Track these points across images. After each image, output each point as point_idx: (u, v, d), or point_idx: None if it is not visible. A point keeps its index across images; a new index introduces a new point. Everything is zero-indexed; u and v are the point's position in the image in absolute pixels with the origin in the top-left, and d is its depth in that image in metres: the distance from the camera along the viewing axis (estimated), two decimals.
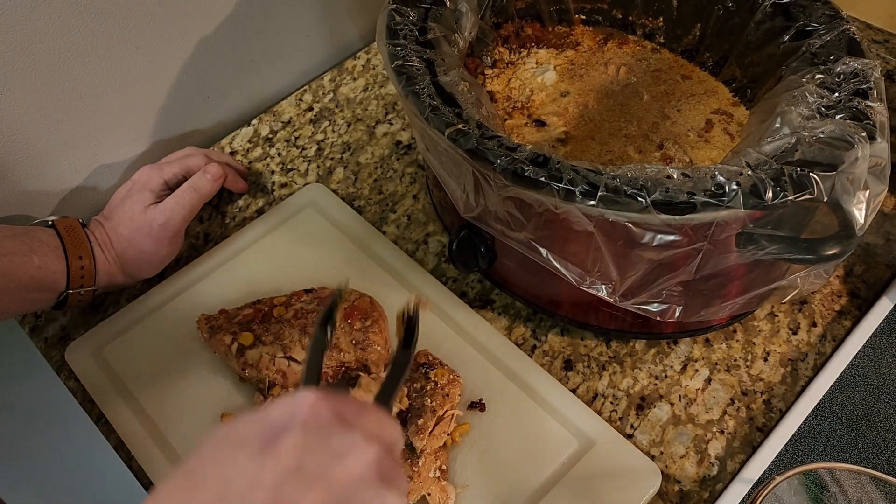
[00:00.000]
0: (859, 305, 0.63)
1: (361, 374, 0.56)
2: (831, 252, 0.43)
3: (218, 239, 0.73)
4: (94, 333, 0.65)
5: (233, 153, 0.81)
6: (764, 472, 0.54)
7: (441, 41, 0.58)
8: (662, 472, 0.55)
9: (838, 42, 0.53)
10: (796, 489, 0.49)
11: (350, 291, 0.62)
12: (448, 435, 0.55)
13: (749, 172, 0.43)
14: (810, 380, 0.59)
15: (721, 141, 0.60)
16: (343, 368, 0.57)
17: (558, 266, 0.50)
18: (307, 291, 0.62)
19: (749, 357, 0.61)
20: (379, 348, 0.58)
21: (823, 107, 0.48)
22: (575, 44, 0.70)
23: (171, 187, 0.67)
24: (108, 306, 0.69)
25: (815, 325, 0.63)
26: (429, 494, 0.52)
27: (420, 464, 0.52)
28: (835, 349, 0.61)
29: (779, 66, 0.57)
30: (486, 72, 0.68)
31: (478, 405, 0.58)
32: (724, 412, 0.58)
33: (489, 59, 0.69)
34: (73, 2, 0.63)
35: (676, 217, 0.43)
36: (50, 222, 0.61)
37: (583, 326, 0.61)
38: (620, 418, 0.58)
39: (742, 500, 0.53)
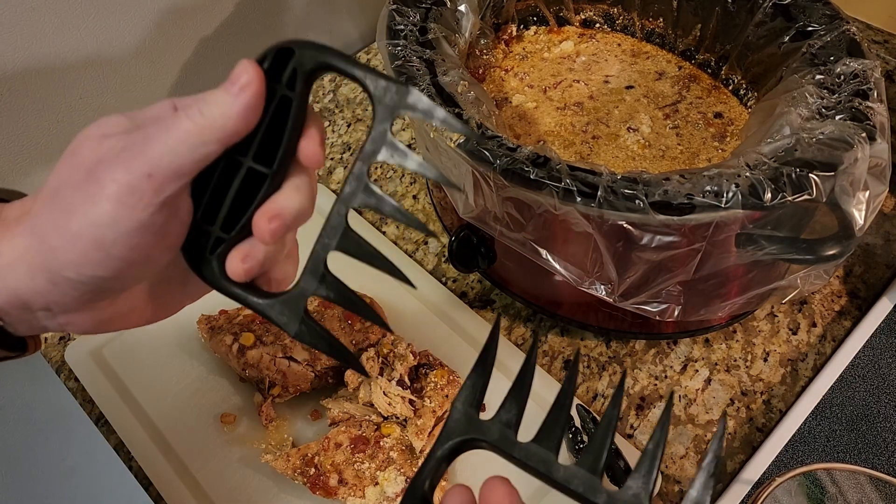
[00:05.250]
0: (859, 306, 0.63)
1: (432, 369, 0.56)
2: (831, 252, 0.43)
3: None
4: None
5: None
6: (764, 473, 0.54)
7: (441, 41, 0.58)
8: (662, 473, 0.55)
9: (838, 43, 0.53)
10: (795, 490, 0.49)
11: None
12: None
13: (748, 173, 0.43)
14: (810, 380, 0.59)
15: (722, 143, 0.60)
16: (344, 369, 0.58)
17: (557, 267, 0.50)
18: None
19: (749, 357, 0.61)
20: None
21: (823, 107, 0.48)
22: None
23: None
24: None
25: (814, 325, 0.63)
26: None
27: (420, 464, 0.52)
28: (835, 349, 0.61)
29: (779, 67, 0.57)
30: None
31: None
32: (724, 412, 0.58)
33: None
34: (73, 2, 0.63)
35: (675, 218, 0.43)
36: None
37: (583, 326, 0.61)
38: (620, 418, 0.58)
39: (742, 500, 0.53)
